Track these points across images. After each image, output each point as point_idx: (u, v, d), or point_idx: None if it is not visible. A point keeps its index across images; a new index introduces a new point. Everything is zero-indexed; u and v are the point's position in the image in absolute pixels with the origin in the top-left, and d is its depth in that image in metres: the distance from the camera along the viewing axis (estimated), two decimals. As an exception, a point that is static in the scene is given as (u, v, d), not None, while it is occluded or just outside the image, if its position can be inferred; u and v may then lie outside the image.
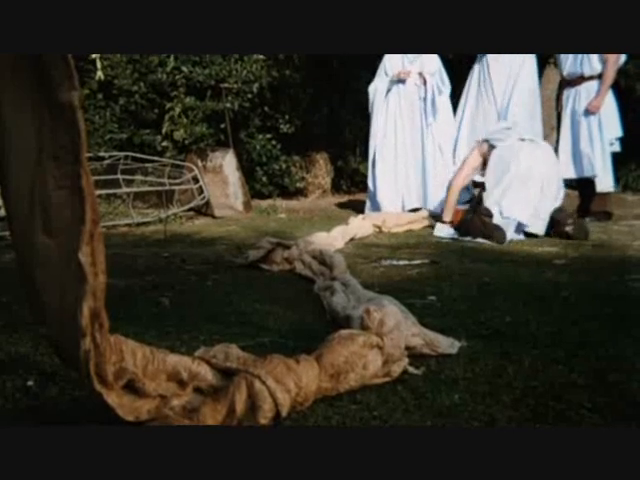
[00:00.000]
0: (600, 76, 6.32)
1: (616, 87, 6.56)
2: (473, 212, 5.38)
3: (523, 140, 5.62)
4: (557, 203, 5.44)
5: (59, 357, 1.71)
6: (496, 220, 5.20)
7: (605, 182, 6.39)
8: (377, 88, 7.09)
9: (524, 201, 5.31)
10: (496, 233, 5.09)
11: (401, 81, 6.96)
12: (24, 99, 1.49)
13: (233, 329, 2.60)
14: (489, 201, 5.33)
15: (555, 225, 5.38)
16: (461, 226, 5.48)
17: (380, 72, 7.15)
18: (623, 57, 6.48)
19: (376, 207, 6.98)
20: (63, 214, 1.47)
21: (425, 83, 6.88)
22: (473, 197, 6.06)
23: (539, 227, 5.30)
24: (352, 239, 5.16)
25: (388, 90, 7.03)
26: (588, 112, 6.31)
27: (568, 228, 5.28)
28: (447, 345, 2.24)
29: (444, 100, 6.99)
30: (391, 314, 2.16)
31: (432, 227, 5.88)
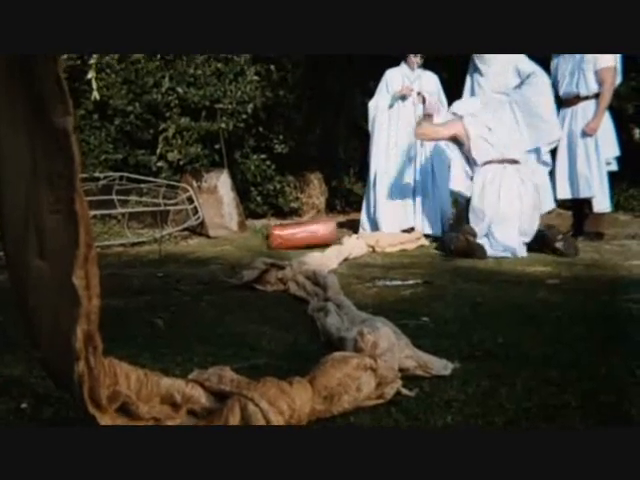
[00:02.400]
0: (596, 96, 6.35)
1: (609, 107, 6.58)
2: (457, 231, 5.59)
3: (503, 165, 5.69)
4: (539, 213, 5.68)
5: (52, 380, 1.72)
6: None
7: (602, 203, 6.41)
8: (378, 105, 7.10)
9: (512, 232, 5.42)
10: (478, 252, 5.26)
11: (403, 97, 6.98)
12: (19, 122, 1.51)
13: (227, 350, 2.61)
14: (478, 228, 5.46)
15: (545, 241, 5.44)
16: (445, 243, 5.65)
17: (381, 89, 7.17)
18: (619, 79, 6.51)
19: (374, 226, 6.98)
20: (57, 238, 1.48)
21: (424, 102, 6.91)
22: (460, 212, 6.10)
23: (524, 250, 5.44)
24: (346, 259, 5.17)
25: (389, 106, 7.05)
26: (585, 133, 6.34)
27: (558, 244, 5.33)
28: (440, 367, 2.25)
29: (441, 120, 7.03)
30: (384, 336, 2.17)
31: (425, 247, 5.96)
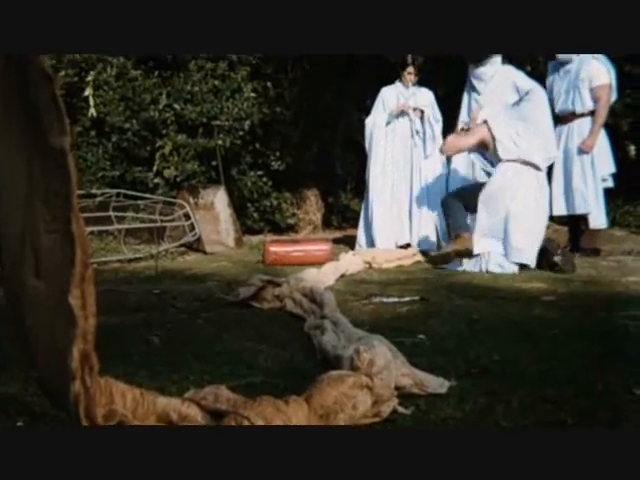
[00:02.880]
0: (591, 113, 6.38)
1: (604, 124, 6.61)
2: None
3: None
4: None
5: (48, 399, 1.72)
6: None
7: (598, 219, 6.43)
8: (375, 122, 7.12)
9: (525, 234, 5.52)
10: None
11: (399, 115, 7.01)
12: (16, 141, 1.51)
13: (223, 369, 2.61)
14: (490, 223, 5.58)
15: (544, 254, 5.47)
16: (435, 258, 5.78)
17: (377, 106, 7.20)
18: (614, 97, 6.55)
19: (370, 243, 6.99)
20: (53, 257, 1.48)
21: (422, 117, 6.94)
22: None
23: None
24: (343, 275, 5.17)
25: (387, 123, 7.07)
26: (581, 150, 6.36)
27: (557, 258, 5.37)
28: (436, 385, 2.25)
29: (437, 135, 7.05)
30: (381, 354, 2.17)
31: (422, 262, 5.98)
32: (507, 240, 5.50)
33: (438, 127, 7.10)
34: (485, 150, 5.92)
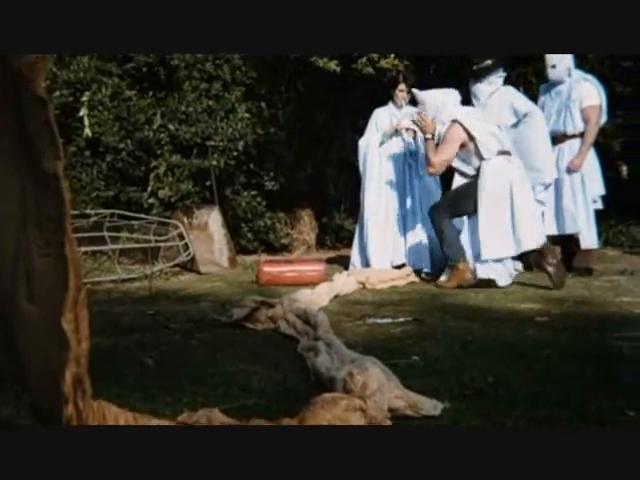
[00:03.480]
0: (582, 134, 6.42)
1: (596, 145, 6.65)
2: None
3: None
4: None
5: (41, 422, 1.71)
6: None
7: (589, 239, 6.45)
8: (369, 142, 7.11)
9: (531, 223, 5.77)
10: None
11: (393, 135, 7.01)
12: (10, 165, 1.52)
13: (217, 390, 2.61)
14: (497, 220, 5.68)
15: (538, 257, 5.61)
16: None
17: (370, 127, 7.20)
18: (604, 118, 6.59)
19: (365, 263, 6.98)
20: (47, 281, 1.49)
21: (415, 137, 6.95)
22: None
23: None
24: (337, 296, 5.17)
25: (380, 143, 7.07)
26: (570, 170, 6.39)
27: (550, 268, 5.49)
28: (430, 407, 2.25)
29: None
30: (374, 376, 2.17)
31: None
32: (518, 231, 5.64)
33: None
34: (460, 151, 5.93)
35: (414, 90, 6.17)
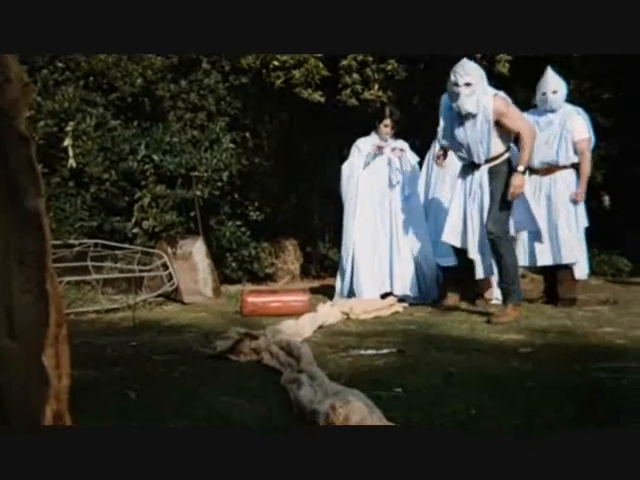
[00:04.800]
0: (573, 165, 6.48)
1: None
2: None
3: None
4: None
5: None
6: None
7: (582, 269, 6.51)
8: (352, 164, 7.07)
9: None
10: None
11: (378, 154, 6.99)
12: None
13: (200, 423, 2.60)
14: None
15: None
16: None
17: (353, 153, 7.16)
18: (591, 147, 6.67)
19: (350, 292, 6.95)
20: (27, 317, 1.48)
21: (401, 157, 6.94)
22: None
23: None
24: (321, 327, 5.17)
25: (365, 164, 7.03)
26: (565, 199, 6.43)
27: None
28: (412, 440, 2.25)
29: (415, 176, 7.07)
30: (356, 410, 2.17)
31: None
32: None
33: (416, 169, 7.11)
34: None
35: (463, 60, 5.76)
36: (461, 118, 5.71)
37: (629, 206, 9.99)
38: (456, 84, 5.62)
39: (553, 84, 6.55)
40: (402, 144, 7.15)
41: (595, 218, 6.67)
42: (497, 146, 5.66)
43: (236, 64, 9.23)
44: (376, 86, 8.72)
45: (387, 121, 7.01)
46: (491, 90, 5.73)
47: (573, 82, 8.61)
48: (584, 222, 6.56)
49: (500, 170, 5.64)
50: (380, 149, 7.00)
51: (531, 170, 6.64)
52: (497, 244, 5.57)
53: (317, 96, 8.61)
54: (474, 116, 5.63)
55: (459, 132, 5.75)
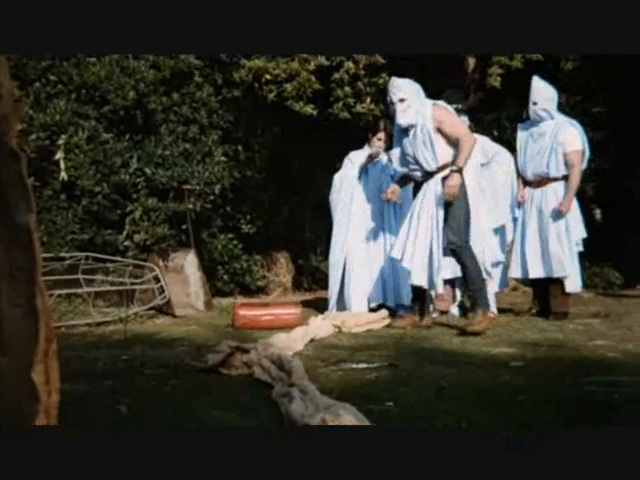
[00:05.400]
0: (564, 177, 6.48)
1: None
2: None
3: None
4: None
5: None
6: None
7: (574, 283, 6.49)
8: (346, 175, 7.03)
9: None
10: None
11: (370, 164, 6.96)
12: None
13: (190, 438, 2.59)
14: None
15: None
16: None
17: (346, 163, 7.15)
18: (584, 164, 6.66)
19: (341, 304, 6.91)
20: (17, 332, 1.48)
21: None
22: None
23: None
24: (312, 340, 5.16)
25: (359, 175, 7.01)
26: (555, 211, 6.43)
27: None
28: (403, 454, 2.25)
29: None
30: (347, 423, 2.17)
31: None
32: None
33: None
34: None
35: (392, 78, 5.98)
36: (405, 133, 5.80)
37: (620, 219, 10.04)
38: (392, 102, 5.77)
39: (534, 96, 6.58)
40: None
41: (586, 231, 6.66)
42: (445, 154, 5.71)
43: (228, 77, 9.26)
44: (368, 99, 8.75)
45: (381, 134, 6.98)
46: (429, 101, 5.81)
47: (563, 96, 8.66)
48: (579, 234, 6.52)
49: None
50: (372, 158, 6.97)
51: (525, 182, 6.69)
52: (459, 254, 5.62)
53: (309, 109, 8.64)
54: (414, 126, 5.72)
55: (406, 147, 5.83)
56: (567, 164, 6.45)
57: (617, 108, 9.75)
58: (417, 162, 5.77)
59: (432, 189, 5.74)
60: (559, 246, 6.41)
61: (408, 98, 5.69)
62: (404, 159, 5.88)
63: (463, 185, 5.61)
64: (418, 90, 5.80)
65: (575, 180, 6.45)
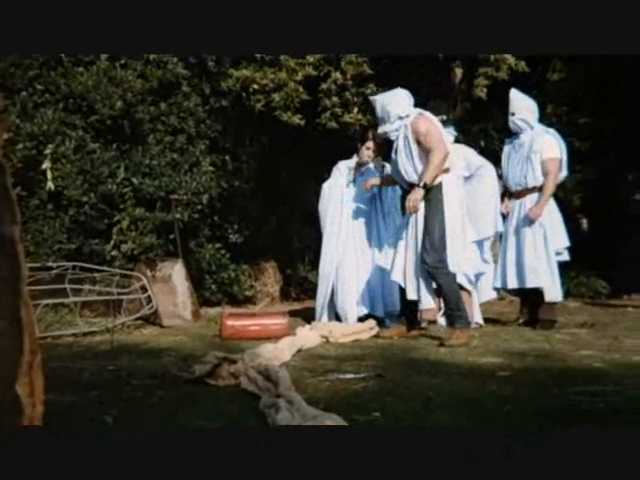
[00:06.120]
0: (542, 187, 6.51)
1: (557, 199, 6.76)
2: None
3: None
4: None
5: None
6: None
7: (553, 292, 6.50)
8: (334, 185, 7.08)
9: None
10: None
11: (357, 174, 6.98)
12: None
13: (176, 449, 2.58)
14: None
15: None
16: None
17: (334, 173, 7.18)
18: (564, 172, 6.70)
19: (330, 313, 6.93)
20: (1, 344, 1.48)
21: (383, 169, 6.89)
22: None
23: None
24: (299, 350, 5.16)
25: (348, 183, 7.01)
26: (531, 221, 6.45)
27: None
28: (389, 465, 2.25)
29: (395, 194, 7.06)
30: (333, 435, 2.17)
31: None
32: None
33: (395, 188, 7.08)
34: None
35: (371, 97, 6.12)
36: (393, 143, 5.84)
37: (607, 229, 10.09)
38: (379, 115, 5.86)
39: (512, 107, 6.66)
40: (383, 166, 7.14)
41: (573, 241, 6.69)
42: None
43: (216, 87, 9.27)
44: (355, 109, 8.77)
45: (369, 143, 6.98)
46: (415, 111, 5.80)
47: (550, 106, 8.71)
48: (560, 243, 6.54)
49: (433, 197, 5.64)
50: (361, 167, 6.98)
51: (510, 194, 6.73)
52: (433, 274, 5.62)
53: (297, 119, 8.65)
54: (397, 137, 5.75)
55: (393, 156, 5.86)
56: (544, 172, 6.49)
57: (603, 118, 9.81)
58: (399, 172, 5.78)
59: None
60: (534, 256, 6.44)
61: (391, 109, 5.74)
62: (395, 169, 5.90)
63: (440, 200, 5.62)
64: (405, 99, 5.81)
65: (549, 187, 6.49)
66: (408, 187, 5.80)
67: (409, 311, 6.00)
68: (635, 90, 9.21)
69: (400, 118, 5.71)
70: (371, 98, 6.10)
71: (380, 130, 5.86)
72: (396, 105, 5.75)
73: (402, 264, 5.78)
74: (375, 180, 6.41)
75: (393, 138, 5.76)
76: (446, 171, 5.71)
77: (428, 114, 5.82)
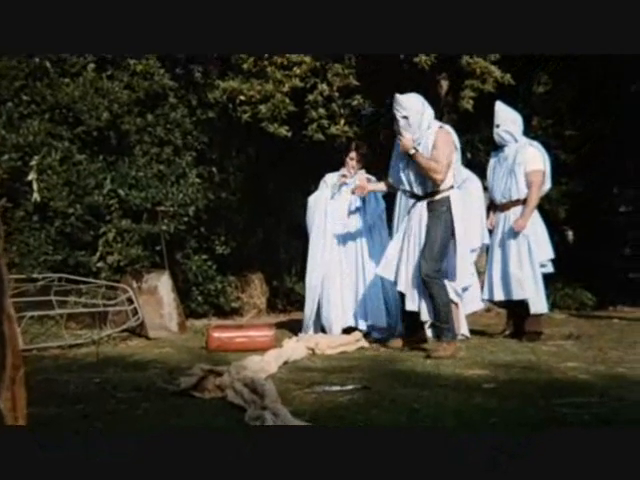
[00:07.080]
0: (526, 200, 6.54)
1: (542, 211, 6.79)
2: None
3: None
4: None
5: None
6: None
7: (538, 304, 6.51)
8: (320, 197, 7.07)
9: None
10: None
11: (342, 185, 6.96)
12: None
13: (162, 463, 2.57)
14: None
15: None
16: None
17: (321, 186, 7.16)
18: (548, 184, 6.74)
19: (317, 326, 6.92)
20: (-16, 358, 1.47)
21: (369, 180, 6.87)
22: None
23: None
24: (286, 362, 5.15)
25: (332, 195, 7.03)
26: (516, 233, 6.48)
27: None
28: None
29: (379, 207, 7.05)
30: (318, 448, 2.17)
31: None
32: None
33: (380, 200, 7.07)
34: None
35: (396, 95, 5.77)
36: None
37: (593, 241, 10.14)
38: (395, 119, 5.73)
39: (496, 119, 6.70)
40: (369, 177, 7.13)
41: (559, 253, 6.72)
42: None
43: (203, 98, 9.27)
44: (342, 121, 8.79)
45: (352, 154, 6.99)
46: (437, 123, 5.79)
47: (535, 119, 8.75)
48: (544, 255, 6.57)
49: (438, 209, 5.67)
50: (345, 178, 6.97)
51: (495, 206, 6.76)
52: (428, 284, 5.62)
53: (283, 131, 8.65)
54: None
55: (402, 164, 5.82)
56: (528, 185, 6.52)
57: (589, 130, 9.87)
58: (409, 183, 5.79)
59: (418, 212, 5.79)
60: (519, 268, 6.46)
61: (410, 116, 5.64)
62: (397, 176, 5.89)
63: (449, 214, 5.65)
64: (422, 108, 5.74)
65: (533, 199, 6.52)
66: (410, 196, 5.84)
67: (410, 319, 5.99)
68: (621, 103, 9.28)
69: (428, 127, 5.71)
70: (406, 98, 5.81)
71: (416, 136, 5.70)
72: (431, 114, 5.77)
73: (405, 274, 5.80)
74: (365, 185, 6.31)
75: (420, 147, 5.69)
76: (451, 187, 5.76)
77: (448, 127, 5.86)
